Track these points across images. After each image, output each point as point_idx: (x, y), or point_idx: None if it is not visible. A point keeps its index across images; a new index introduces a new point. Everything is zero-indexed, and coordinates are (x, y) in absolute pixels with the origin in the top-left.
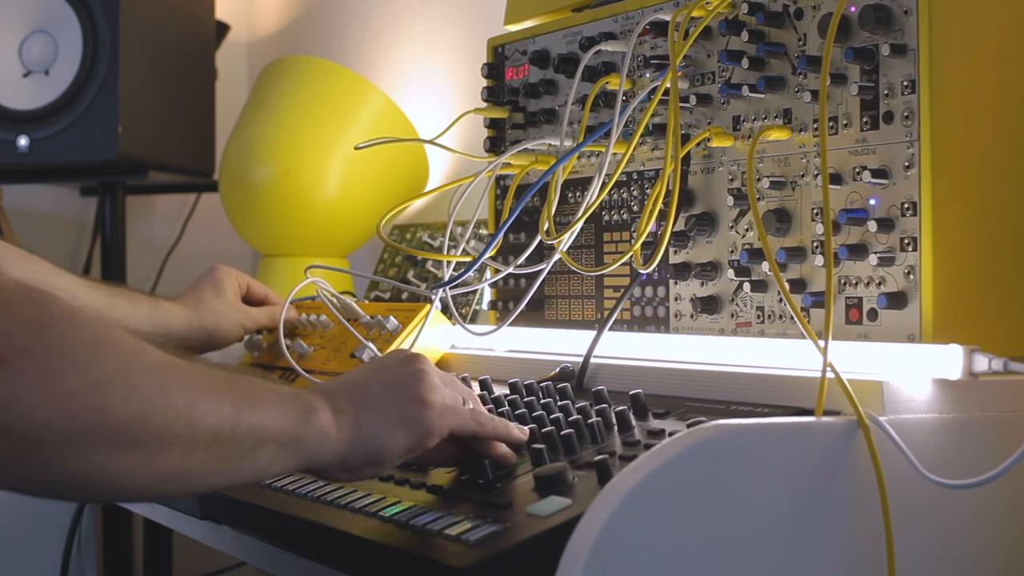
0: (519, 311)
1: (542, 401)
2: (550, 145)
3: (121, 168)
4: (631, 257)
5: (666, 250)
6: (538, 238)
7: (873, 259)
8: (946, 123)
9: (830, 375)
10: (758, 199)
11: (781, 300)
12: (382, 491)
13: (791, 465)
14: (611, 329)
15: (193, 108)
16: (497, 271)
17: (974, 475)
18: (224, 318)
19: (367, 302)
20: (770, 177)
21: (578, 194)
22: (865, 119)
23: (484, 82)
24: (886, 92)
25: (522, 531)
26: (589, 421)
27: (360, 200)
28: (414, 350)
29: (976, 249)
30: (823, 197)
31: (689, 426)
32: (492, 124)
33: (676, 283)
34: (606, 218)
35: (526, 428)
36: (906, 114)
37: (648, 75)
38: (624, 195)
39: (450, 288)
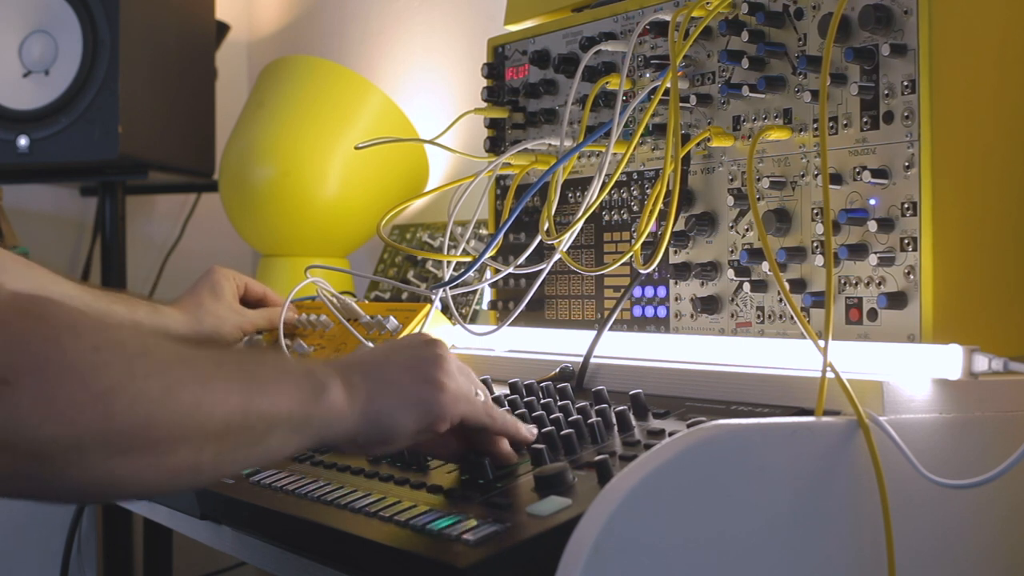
0: (519, 311)
1: (542, 401)
2: (550, 145)
3: (121, 168)
4: (631, 257)
5: (666, 250)
6: (538, 238)
7: (873, 259)
8: (946, 123)
9: (830, 375)
10: (758, 199)
11: (781, 300)
12: (382, 491)
13: (791, 465)
14: (611, 329)
15: (193, 108)
16: (497, 271)
17: (974, 475)
18: (223, 321)
19: (367, 302)
20: (770, 177)
21: (578, 194)
22: (865, 119)
23: (484, 82)
24: (886, 92)
25: (522, 531)
26: (589, 421)
27: (360, 200)
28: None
29: (976, 249)
30: (823, 197)
31: (689, 426)
32: (492, 124)
33: (676, 283)
34: (606, 218)
35: (534, 429)
36: (906, 114)
37: (648, 75)
38: (624, 195)
39: (450, 288)
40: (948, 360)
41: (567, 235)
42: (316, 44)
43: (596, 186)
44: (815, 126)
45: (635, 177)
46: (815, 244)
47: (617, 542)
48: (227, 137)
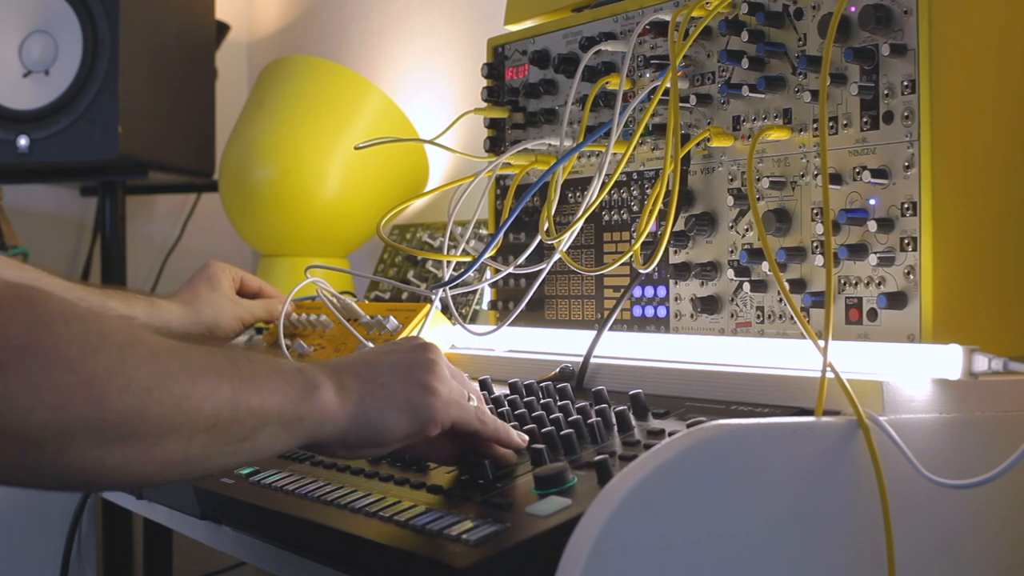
0: (519, 311)
1: (542, 401)
2: (550, 145)
3: (121, 168)
4: (631, 257)
5: (666, 250)
6: (538, 238)
7: (873, 259)
8: (946, 123)
9: (830, 375)
10: (758, 199)
11: (781, 300)
12: (382, 491)
13: (791, 465)
14: (611, 329)
15: (193, 108)
16: (497, 271)
17: (974, 475)
18: (222, 312)
19: (367, 302)
20: (770, 177)
21: (578, 194)
22: (865, 119)
23: (484, 82)
24: (886, 92)
25: (522, 531)
26: (589, 421)
27: (360, 200)
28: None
29: (976, 249)
30: (823, 197)
31: (689, 426)
32: (492, 124)
33: (676, 283)
34: (606, 218)
35: (525, 436)
36: (906, 114)
37: (648, 75)
38: (624, 195)
39: (450, 288)
40: (948, 360)
41: (567, 235)
42: (316, 44)
43: (596, 186)
44: (815, 126)
45: (635, 177)
46: (815, 244)
47: (617, 542)
48: (227, 137)
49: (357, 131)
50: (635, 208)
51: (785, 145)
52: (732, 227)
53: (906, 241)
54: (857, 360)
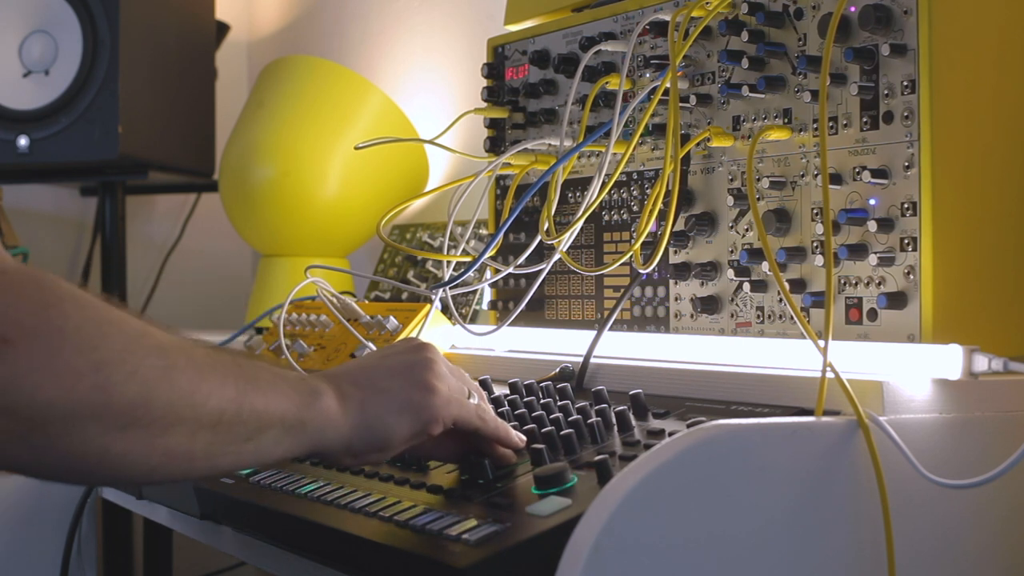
0: (519, 311)
1: (542, 401)
2: (550, 145)
3: (121, 168)
4: (631, 257)
5: (666, 250)
6: (538, 238)
7: (873, 259)
8: (946, 123)
9: (830, 375)
10: (758, 199)
11: (781, 300)
12: (382, 491)
13: (791, 465)
14: (611, 329)
15: (193, 108)
16: (497, 271)
17: (974, 475)
18: None
19: (367, 302)
20: (770, 177)
21: (578, 194)
22: (865, 119)
23: (484, 82)
24: (886, 92)
25: (522, 531)
26: (589, 421)
27: (360, 200)
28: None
29: (976, 249)
30: (823, 197)
31: (689, 426)
32: (492, 124)
33: (676, 283)
34: (606, 218)
35: (524, 436)
36: (906, 114)
37: (648, 75)
38: (624, 195)
39: (450, 288)
40: (948, 360)
41: (567, 235)
42: (316, 44)
43: (596, 186)
44: (815, 126)
45: (635, 177)
46: (815, 244)
47: (617, 542)
48: (227, 137)
49: (357, 131)
50: (635, 208)
51: (785, 145)
52: (732, 227)
53: (906, 241)
54: (857, 360)
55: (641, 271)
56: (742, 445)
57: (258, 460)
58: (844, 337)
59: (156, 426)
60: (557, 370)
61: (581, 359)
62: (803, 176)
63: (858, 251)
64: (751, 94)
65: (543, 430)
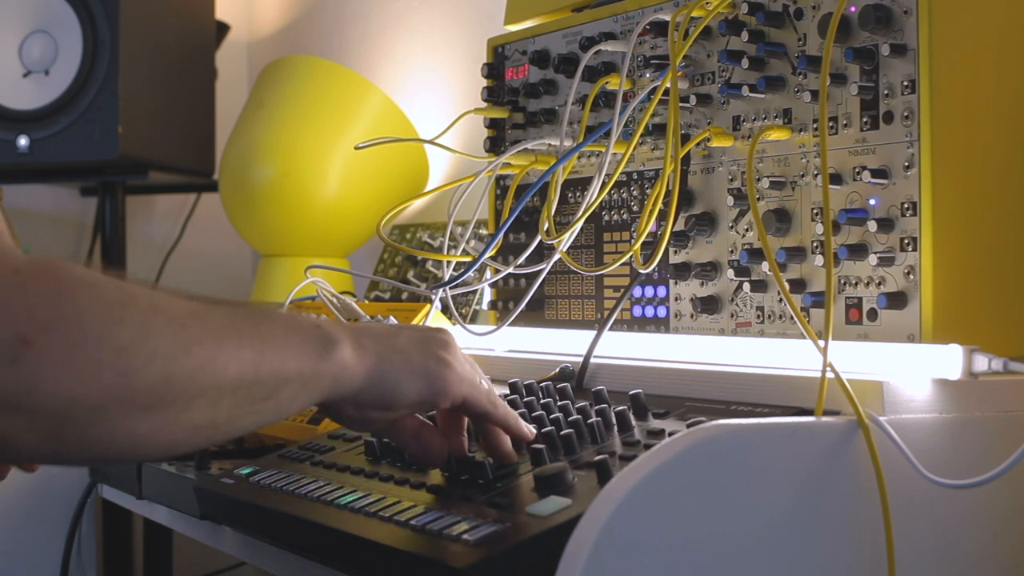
0: (519, 311)
1: (542, 401)
2: (550, 145)
3: (121, 168)
4: (631, 257)
5: (666, 250)
6: (538, 238)
7: (873, 259)
8: (946, 123)
9: (830, 375)
10: (758, 199)
11: (781, 300)
12: (382, 491)
13: (791, 465)
14: (611, 329)
15: (193, 108)
16: (497, 271)
17: (974, 475)
18: None
19: (367, 302)
20: (770, 177)
21: (578, 194)
22: (865, 119)
23: (484, 82)
24: (886, 92)
25: (522, 531)
26: (589, 421)
27: (360, 200)
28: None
29: (976, 249)
30: (823, 197)
31: (689, 426)
32: (492, 124)
33: (676, 283)
34: (606, 218)
35: (533, 428)
36: (906, 114)
37: (648, 75)
38: (624, 195)
39: (450, 288)
40: (948, 360)
41: (567, 235)
42: (316, 44)
43: (596, 186)
44: (815, 126)
45: (635, 177)
46: (815, 244)
47: (617, 542)
48: (227, 137)
49: (357, 131)
50: (635, 208)
51: (785, 145)
52: (732, 227)
53: (906, 241)
54: (857, 360)
55: (641, 271)
56: (742, 445)
57: (277, 416)
58: (844, 337)
59: (179, 403)
60: (557, 370)
61: (581, 359)
62: (803, 176)
63: (858, 251)
64: (751, 94)
65: (543, 430)
